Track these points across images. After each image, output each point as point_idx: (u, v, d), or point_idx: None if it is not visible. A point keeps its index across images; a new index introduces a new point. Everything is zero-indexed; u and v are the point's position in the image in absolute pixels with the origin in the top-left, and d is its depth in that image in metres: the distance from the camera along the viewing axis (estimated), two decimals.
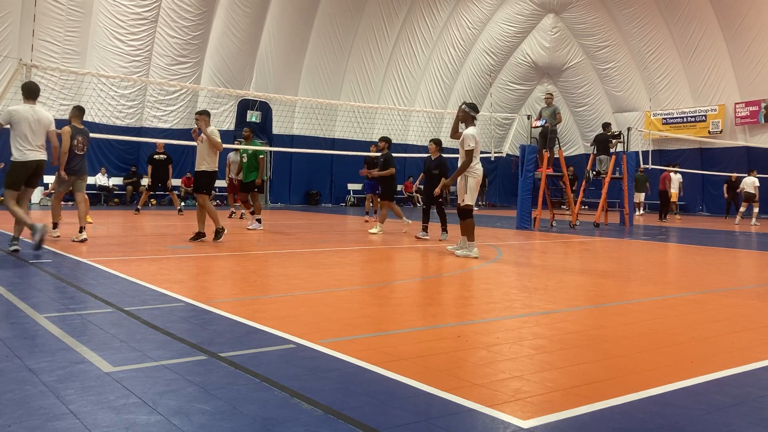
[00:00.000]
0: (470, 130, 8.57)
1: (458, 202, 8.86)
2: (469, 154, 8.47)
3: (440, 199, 10.96)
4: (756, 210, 20.12)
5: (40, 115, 8.07)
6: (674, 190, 22.52)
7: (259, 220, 12.24)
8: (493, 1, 28.31)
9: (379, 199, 13.89)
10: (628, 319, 4.80)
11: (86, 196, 9.65)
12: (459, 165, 8.69)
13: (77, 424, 2.45)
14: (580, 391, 3.03)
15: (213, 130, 9.64)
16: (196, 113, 9.94)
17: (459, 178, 8.70)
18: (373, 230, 12.07)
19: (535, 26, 29.73)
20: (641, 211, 24.56)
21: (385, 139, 12.85)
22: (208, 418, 2.55)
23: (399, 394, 2.91)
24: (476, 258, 8.42)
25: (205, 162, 9.63)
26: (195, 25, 21.75)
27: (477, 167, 8.66)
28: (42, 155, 7.97)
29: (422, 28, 27.77)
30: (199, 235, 9.52)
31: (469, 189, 8.61)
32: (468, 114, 8.70)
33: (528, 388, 3.05)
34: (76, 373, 3.08)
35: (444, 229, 11.31)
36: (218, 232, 9.50)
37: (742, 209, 20.37)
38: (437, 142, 11.38)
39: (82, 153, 9.34)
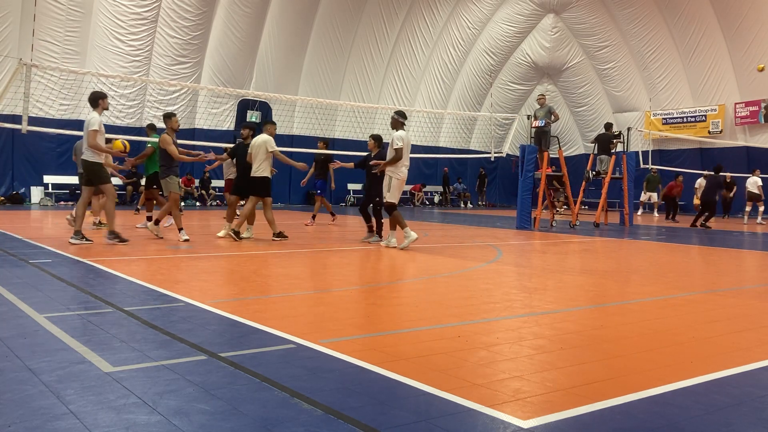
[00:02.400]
0: (398, 133, 9.42)
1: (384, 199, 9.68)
2: (398, 151, 9.30)
3: (377, 199, 10.30)
4: (762, 209, 19.90)
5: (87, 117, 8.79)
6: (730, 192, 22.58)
7: (154, 220, 10.41)
8: (493, 1, 28.31)
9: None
10: (628, 319, 4.80)
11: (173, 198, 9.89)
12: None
13: (77, 424, 2.45)
14: (580, 391, 3.03)
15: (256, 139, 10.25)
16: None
17: (385, 177, 9.54)
18: (245, 234, 10.46)
19: (535, 26, 29.73)
20: (655, 213, 24.48)
21: (248, 126, 11.14)
22: (208, 418, 2.55)
23: (399, 394, 2.91)
24: (395, 247, 9.36)
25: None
26: (195, 25, 21.76)
27: (403, 169, 9.41)
28: (82, 156, 8.84)
29: (422, 28, 27.77)
30: (279, 235, 10.19)
31: (392, 188, 9.43)
32: (397, 120, 9.58)
33: (528, 388, 3.05)
34: (76, 373, 3.08)
35: (371, 230, 10.57)
36: (235, 233, 10.00)
37: (747, 209, 20.14)
38: (376, 138, 10.77)
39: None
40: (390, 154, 9.42)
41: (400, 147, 9.29)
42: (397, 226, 9.68)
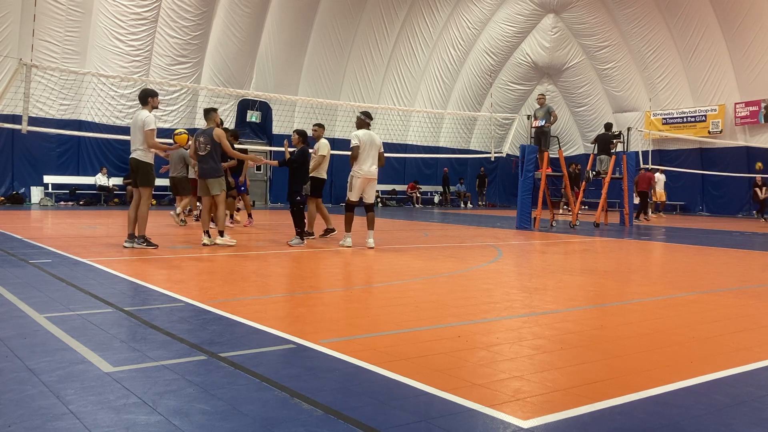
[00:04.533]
0: (355, 132, 9.57)
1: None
2: (353, 150, 9.42)
3: (298, 198, 9.75)
4: None
5: (135, 117, 8.60)
6: (660, 190, 22.73)
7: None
8: (493, 1, 28.31)
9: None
10: (628, 319, 4.80)
11: (222, 198, 9.32)
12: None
13: (77, 424, 2.45)
14: (580, 391, 3.03)
15: (319, 143, 10.81)
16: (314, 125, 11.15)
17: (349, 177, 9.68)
18: (218, 240, 9.22)
19: (535, 26, 29.73)
20: (650, 213, 24.50)
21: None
22: (208, 418, 2.55)
23: (399, 394, 2.91)
24: (349, 247, 9.38)
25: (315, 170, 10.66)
26: (195, 25, 21.75)
27: (363, 167, 9.44)
28: (133, 154, 8.54)
29: (422, 28, 27.77)
30: (328, 231, 10.82)
31: (352, 187, 9.53)
32: (361, 120, 9.70)
33: (528, 388, 3.05)
34: (76, 373, 3.08)
35: (297, 233, 9.75)
36: (328, 231, 10.77)
37: None
38: (300, 133, 10.17)
39: (203, 153, 9.17)
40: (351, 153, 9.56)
41: (356, 145, 9.40)
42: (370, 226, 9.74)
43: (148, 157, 8.48)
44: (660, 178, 22.90)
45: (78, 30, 20.11)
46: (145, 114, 8.38)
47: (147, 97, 8.49)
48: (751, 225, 19.54)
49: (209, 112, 9.46)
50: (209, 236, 9.21)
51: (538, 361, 3.56)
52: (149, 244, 8.51)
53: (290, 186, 9.92)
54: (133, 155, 8.53)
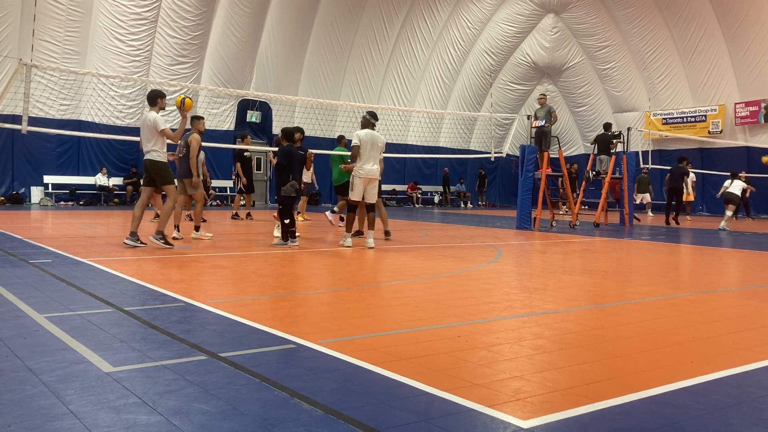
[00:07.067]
0: (357, 132, 9.65)
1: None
2: (354, 149, 9.55)
3: (276, 197, 9.56)
4: (729, 213, 16.57)
5: (144, 118, 8.71)
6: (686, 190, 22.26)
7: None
8: (493, 1, 28.32)
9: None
10: (628, 319, 4.80)
11: (182, 199, 10.21)
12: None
13: (77, 424, 2.45)
14: (580, 391, 3.03)
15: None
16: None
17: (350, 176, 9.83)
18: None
19: (535, 26, 29.75)
20: (649, 213, 24.43)
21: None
22: (208, 418, 2.55)
23: (399, 394, 2.91)
24: (349, 247, 9.37)
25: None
26: (195, 25, 21.76)
27: (364, 167, 9.52)
28: (147, 156, 8.61)
29: (422, 28, 27.78)
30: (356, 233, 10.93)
31: (353, 186, 9.62)
32: (365, 120, 9.79)
33: (528, 388, 3.05)
34: (76, 373, 3.08)
35: (289, 233, 9.39)
36: (351, 233, 10.84)
37: (729, 213, 16.67)
38: (284, 132, 9.75)
39: (181, 156, 10.01)
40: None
41: (356, 144, 9.49)
42: (368, 226, 9.81)
43: (162, 157, 8.59)
44: (688, 178, 21.27)
45: (78, 30, 20.12)
46: (153, 115, 8.44)
47: (156, 98, 8.59)
48: (750, 225, 19.54)
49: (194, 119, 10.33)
50: (178, 230, 9.93)
51: (538, 361, 3.55)
52: (166, 242, 8.56)
53: (276, 186, 9.83)
54: (147, 157, 8.54)
